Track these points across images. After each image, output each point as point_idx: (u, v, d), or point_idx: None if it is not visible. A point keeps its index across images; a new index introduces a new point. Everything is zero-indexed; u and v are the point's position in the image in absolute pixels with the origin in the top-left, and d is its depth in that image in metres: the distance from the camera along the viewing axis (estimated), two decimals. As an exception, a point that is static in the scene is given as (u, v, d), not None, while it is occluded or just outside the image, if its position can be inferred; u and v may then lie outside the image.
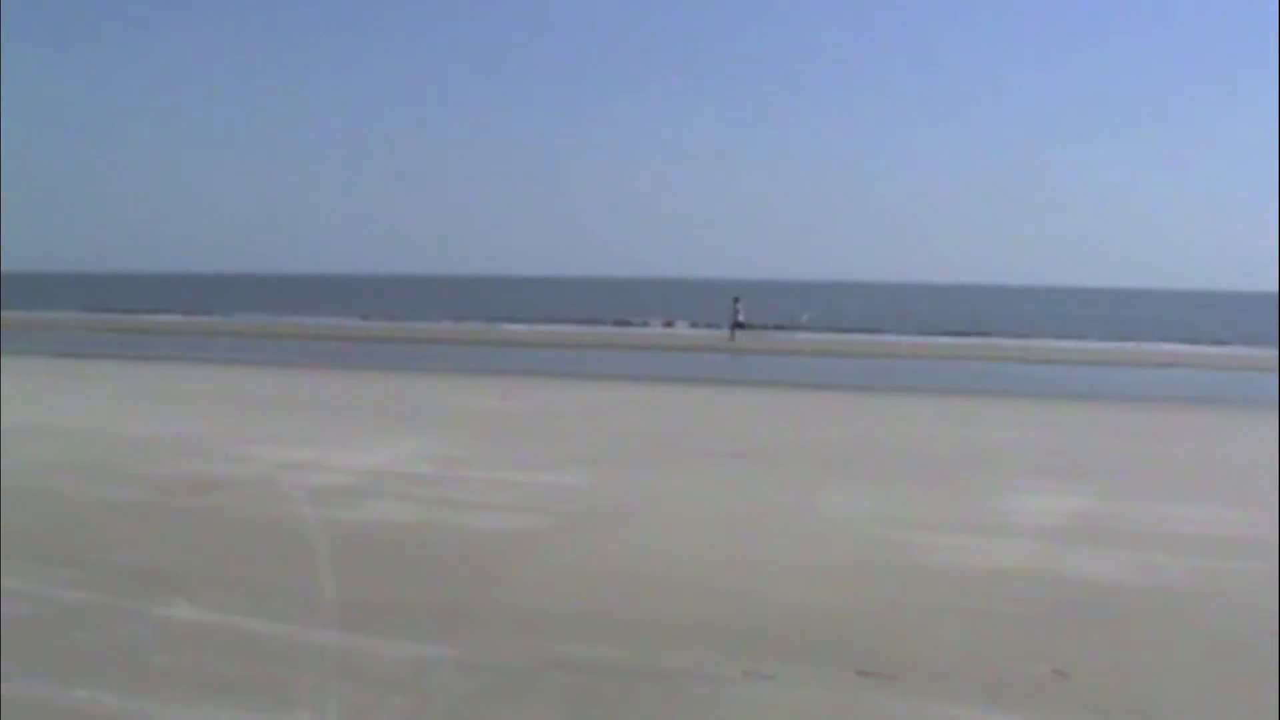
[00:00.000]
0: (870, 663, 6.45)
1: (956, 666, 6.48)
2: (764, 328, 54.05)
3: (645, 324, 63.08)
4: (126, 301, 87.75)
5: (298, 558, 8.79)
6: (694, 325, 60.90)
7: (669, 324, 50.99)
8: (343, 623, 7.04)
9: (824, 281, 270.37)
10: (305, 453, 13.90)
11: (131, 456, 13.61)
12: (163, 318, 66.57)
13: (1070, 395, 26.66)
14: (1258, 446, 16.22)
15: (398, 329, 56.64)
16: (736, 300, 49.26)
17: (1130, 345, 49.63)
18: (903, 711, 5.82)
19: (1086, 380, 31.89)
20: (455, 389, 24.56)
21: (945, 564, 8.89)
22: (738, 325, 48.18)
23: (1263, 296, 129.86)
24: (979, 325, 64.87)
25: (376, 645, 6.63)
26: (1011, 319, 77.44)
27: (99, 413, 18.58)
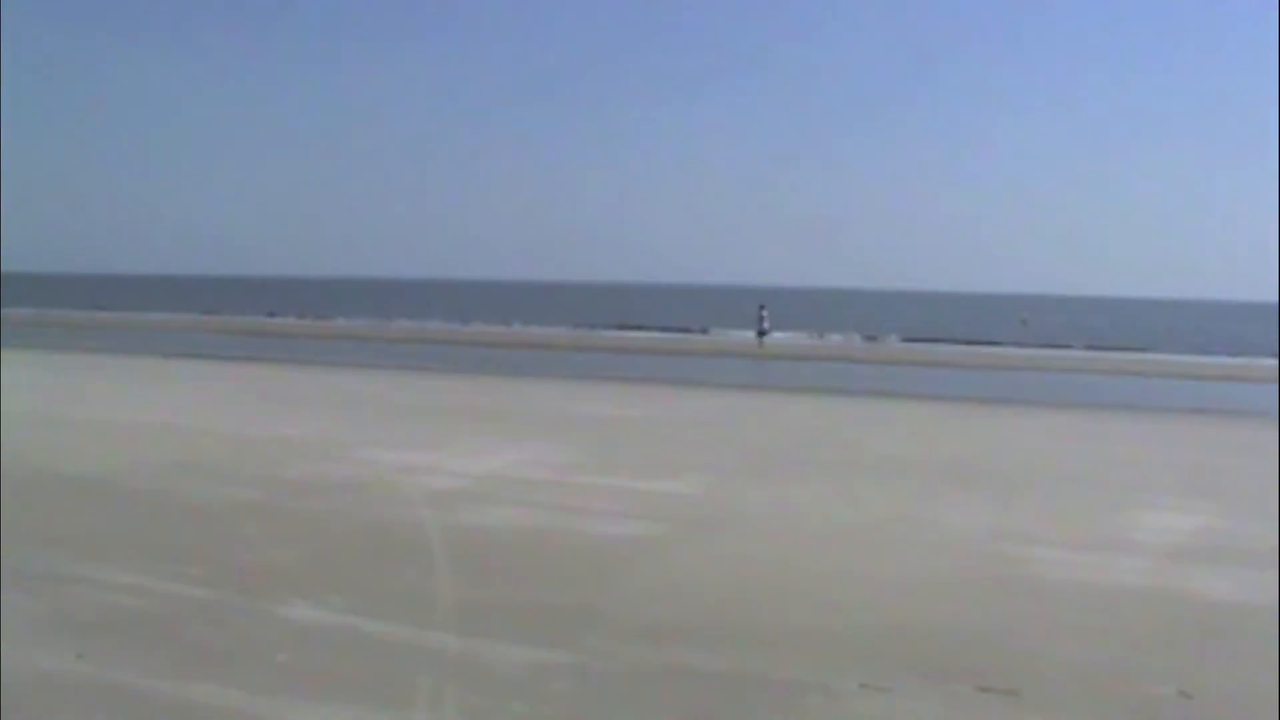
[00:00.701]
0: (990, 678, 6.35)
1: (1078, 684, 6.36)
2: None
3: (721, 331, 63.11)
4: (238, 305, 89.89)
5: (416, 561, 8.90)
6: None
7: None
8: (461, 626, 7.12)
9: (883, 291, 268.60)
10: (422, 456, 14.09)
11: (252, 457, 13.94)
12: (277, 320, 68.27)
13: (1186, 410, 25.95)
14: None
15: (498, 334, 57.21)
16: (762, 308, 49.47)
17: (1240, 360, 48.08)
18: (1025, 729, 5.73)
19: (1202, 395, 31.02)
20: (565, 394, 24.69)
21: (1065, 580, 8.72)
22: (762, 332, 48.46)
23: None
24: (1080, 338, 63.58)
25: (495, 649, 6.69)
26: (1116, 332, 75.69)
27: (219, 413, 19.03)
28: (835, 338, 60.04)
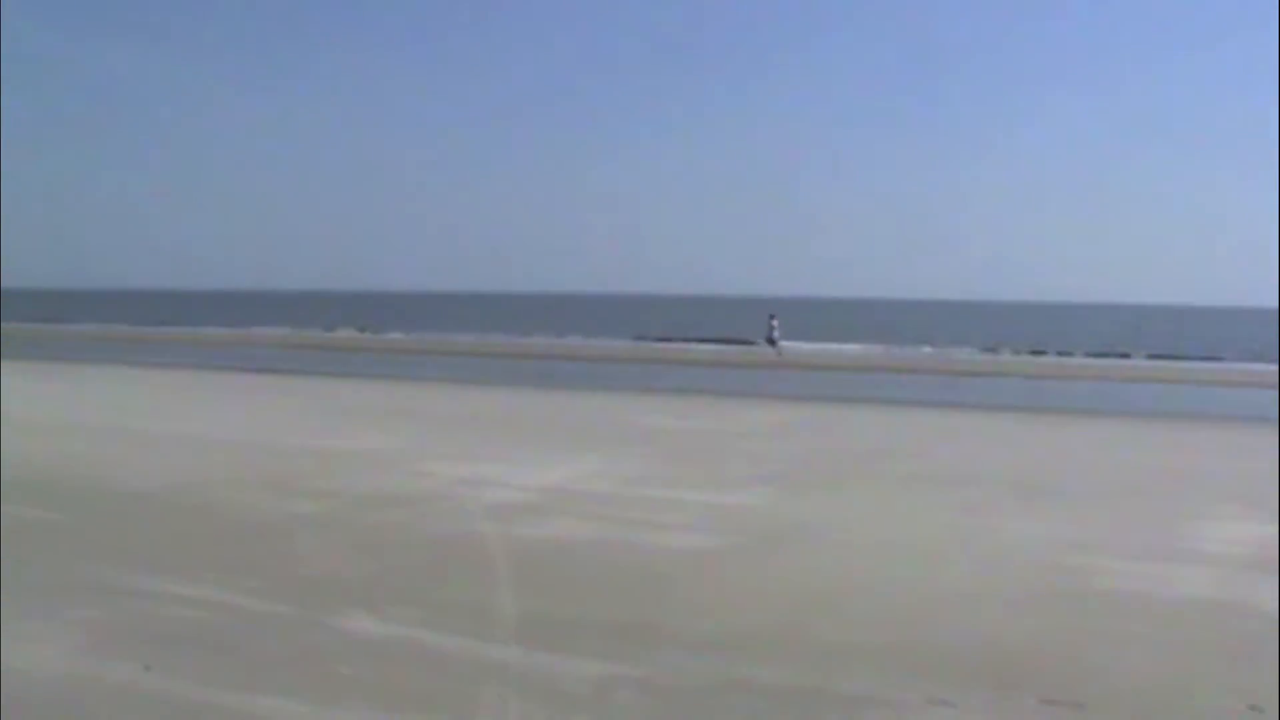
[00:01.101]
0: (1055, 692, 6.28)
1: (1145, 698, 6.27)
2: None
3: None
4: (297, 319, 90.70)
5: (478, 573, 8.95)
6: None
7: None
8: (523, 639, 7.15)
9: (908, 300, 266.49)
10: (484, 469, 14.14)
11: (313, 470, 14.05)
12: (337, 334, 68.95)
13: (1253, 418, 25.55)
14: None
15: (557, 346, 57.37)
16: (773, 317, 49.59)
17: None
18: (1093, 744, 5.65)
19: (1269, 403, 30.47)
20: (625, 406, 24.69)
21: (1131, 591, 8.61)
22: (771, 341, 48.62)
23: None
24: (1140, 347, 62.75)
25: (557, 663, 6.71)
26: (1176, 340, 74.49)
27: (281, 426, 19.26)
28: (896, 348, 59.64)
